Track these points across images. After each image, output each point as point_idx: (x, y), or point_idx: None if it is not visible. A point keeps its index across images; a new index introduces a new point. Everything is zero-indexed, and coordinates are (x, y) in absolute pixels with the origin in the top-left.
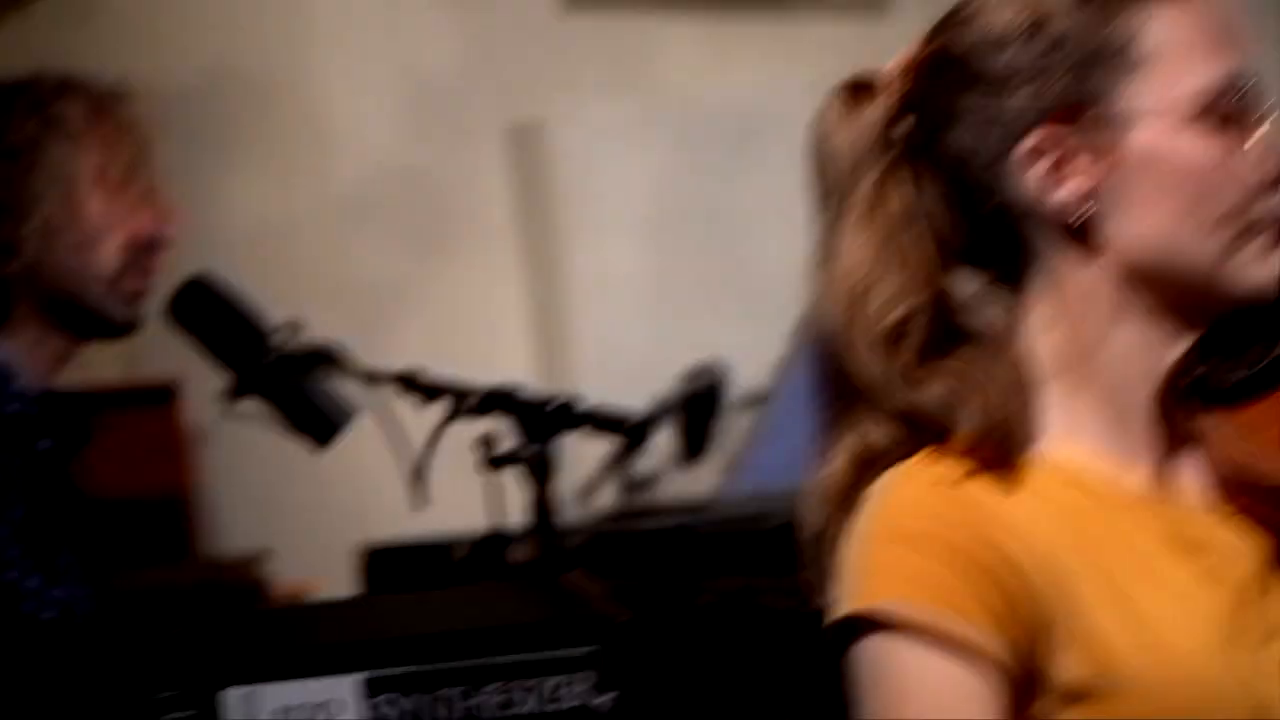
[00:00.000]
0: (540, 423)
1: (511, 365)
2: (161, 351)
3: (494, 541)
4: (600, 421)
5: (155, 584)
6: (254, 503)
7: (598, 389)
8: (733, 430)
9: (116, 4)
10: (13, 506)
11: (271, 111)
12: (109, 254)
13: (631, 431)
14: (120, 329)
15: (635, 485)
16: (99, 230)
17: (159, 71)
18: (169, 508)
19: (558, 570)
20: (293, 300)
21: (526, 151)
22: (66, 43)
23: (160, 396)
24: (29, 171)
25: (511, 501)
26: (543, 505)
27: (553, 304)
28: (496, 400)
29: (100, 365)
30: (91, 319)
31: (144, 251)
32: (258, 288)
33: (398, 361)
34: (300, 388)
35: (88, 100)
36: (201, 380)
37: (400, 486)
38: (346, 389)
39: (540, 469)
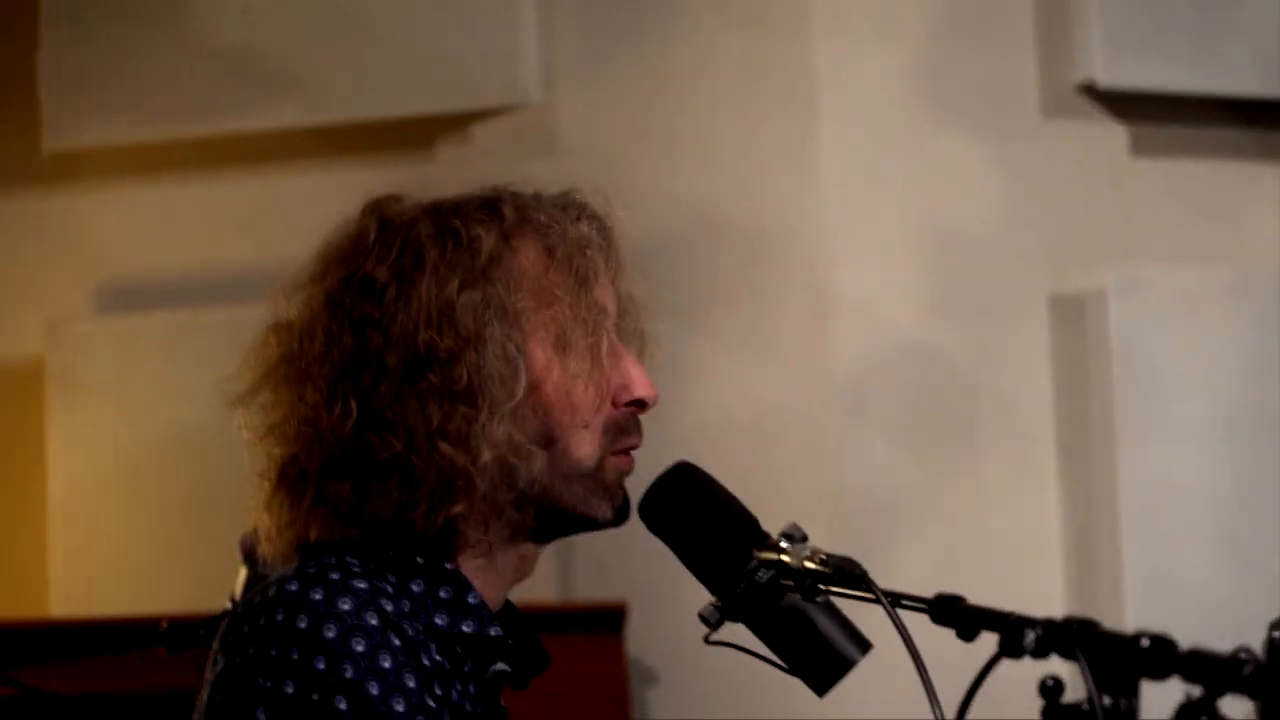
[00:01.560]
0: (1127, 666)
1: (1040, 603)
2: (595, 567)
3: None
4: (1202, 669)
5: None
6: None
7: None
8: None
9: (582, 132)
10: None
11: (760, 272)
12: (588, 446)
13: (1243, 686)
14: (606, 526)
15: None
16: (570, 422)
17: (629, 216)
18: None
19: None
20: (766, 506)
21: (1072, 331)
22: (516, 174)
23: (604, 622)
24: (474, 378)
25: None
26: None
27: (1096, 526)
28: (1068, 635)
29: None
30: (569, 521)
31: (626, 429)
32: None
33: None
34: (803, 614)
35: (534, 242)
36: (648, 607)
37: None
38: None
39: None
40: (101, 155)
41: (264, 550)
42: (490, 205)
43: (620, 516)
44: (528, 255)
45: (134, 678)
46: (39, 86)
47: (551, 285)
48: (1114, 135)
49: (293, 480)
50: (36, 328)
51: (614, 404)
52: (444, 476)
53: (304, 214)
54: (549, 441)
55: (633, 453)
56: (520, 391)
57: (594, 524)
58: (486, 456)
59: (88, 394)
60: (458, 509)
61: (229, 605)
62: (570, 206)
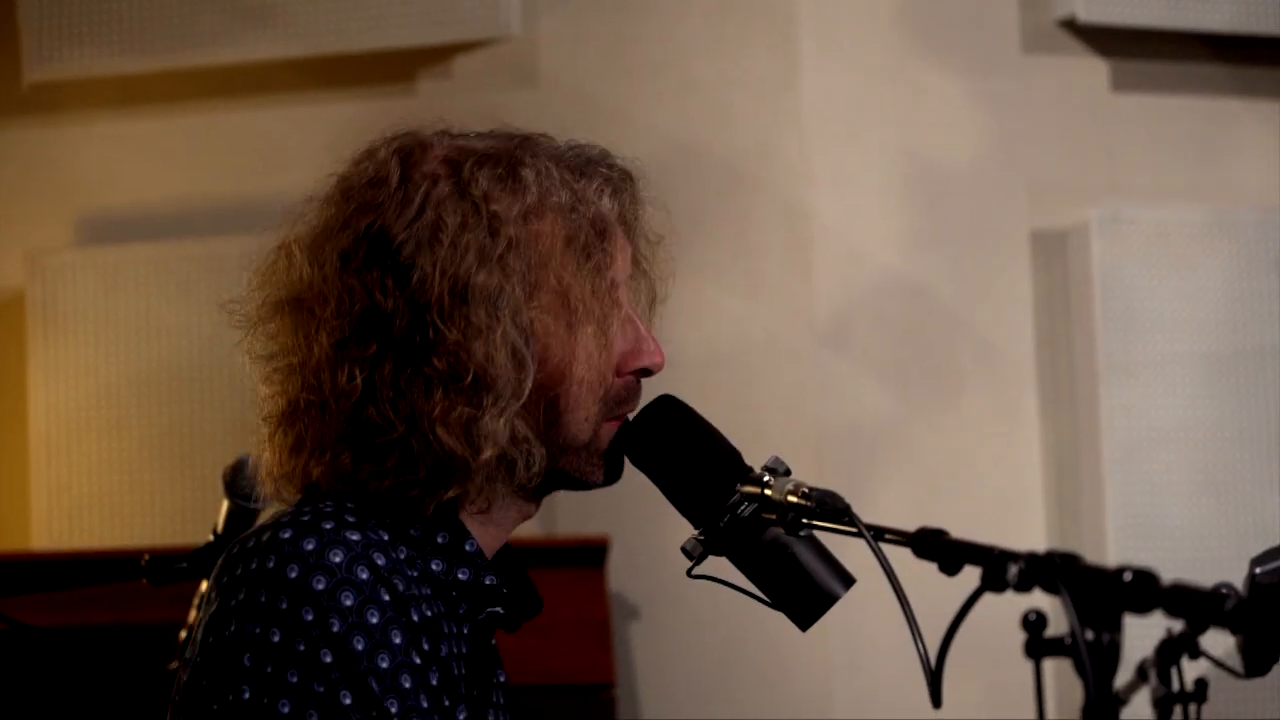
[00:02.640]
0: (1109, 600)
1: (1021, 539)
2: (577, 501)
3: None
4: (1185, 603)
5: None
6: (688, 696)
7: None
8: None
9: (562, 64)
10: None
11: (741, 205)
12: (585, 418)
13: (1224, 620)
14: (599, 486)
15: (1171, 699)
16: (570, 396)
17: (609, 148)
18: (588, 695)
19: None
20: (747, 440)
21: (1054, 266)
22: (497, 106)
23: (586, 557)
24: (480, 371)
25: (1013, 700)
26: (1105, 711)
27: (1077, 461)
28: (1051, 569)
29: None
30: (567, 483)
31: (625, 399)
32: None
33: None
34: (786, 548)
35: (554, 209)
36: (629, 543)
37: (880, 682)
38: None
39: (1106, 661)
40: (82, 87)
41: (265, 487)
42: (513, 171)
43: (612, 477)
44: (546, 239)
45: (115, 610)
46: (18, 17)
47: (566, 270)
48: (1095, 71)
49: (293, 433)
50: (17, 260)
51: (618, 372)
52: (442, 464)
53: (285, 146)
54: (549, 422)
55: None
56: (528, 388)
57: (588, 485)
58: (488, 453)
59: (69, 327)
60: (453, 492)
61: (211, 538)
62: (596, 176)
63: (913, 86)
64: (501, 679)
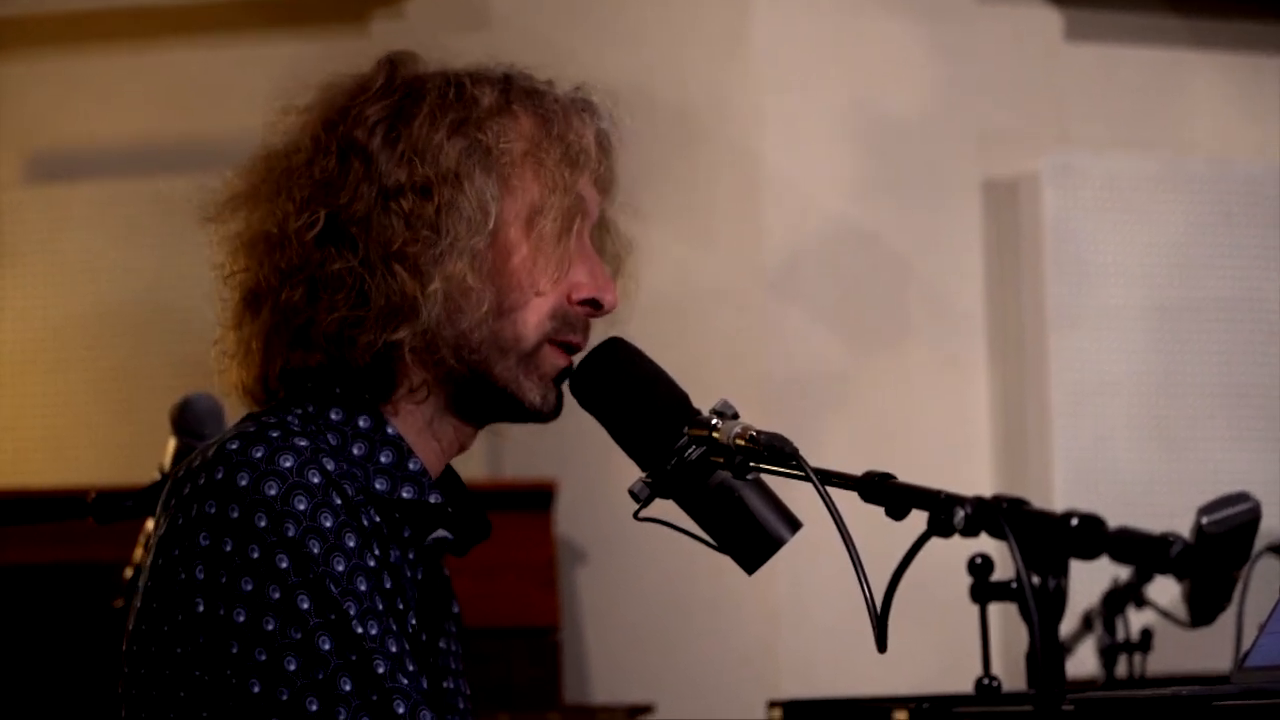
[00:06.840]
0: (1056, 545)
1: (968, 488)
2: (525, 444)
3: (947, 701)
4: (1131, 548)
5: None
6: (634, 640)
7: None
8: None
9: (515, 7)
10: (403, 620)
11: (692, 152)
12: (532, 323)
13: (1170, 566)
14: (534, 415)
15: (1116, 648)
16: (523, 291)
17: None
18: (533, 638)
19: None
20: (696, 385)
21: (1004, 216)
22: (449, 48)
23: (533, 500)
24: (443, 211)
25: (963, 649)
26: (1050, 655)
27: (1025, 411)
28: (997, 513)
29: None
30: (501, 401)
31: (573, 324)
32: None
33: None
34: (733, 492)
35: (534, 113)
36: (576, 486)
37: (826, 626)
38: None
39: (1051, 606)
40: (31, 25)
41: (233, 382)
42: (503, 78)
43: (553, 411)
44: (525, 123)
45: (62, 548)
46: None
47: (541, 156)
48: (1048, 19)
49: (254, 296)
50: None
51: (569, 299)
52: (392, 299)
53: (236, 86)
54: (500, 302)
55: (573, 355)
56: (485, 236)
57: (522, 406)
58: (435, 285)
59: (15, 265)
60: (400, 335)
61: (157, 476)
62: (581, 103)
63: (865, 34)
64: (455, 610)
